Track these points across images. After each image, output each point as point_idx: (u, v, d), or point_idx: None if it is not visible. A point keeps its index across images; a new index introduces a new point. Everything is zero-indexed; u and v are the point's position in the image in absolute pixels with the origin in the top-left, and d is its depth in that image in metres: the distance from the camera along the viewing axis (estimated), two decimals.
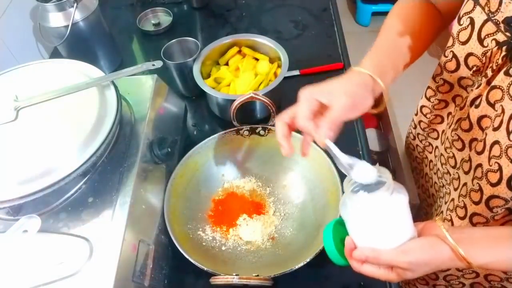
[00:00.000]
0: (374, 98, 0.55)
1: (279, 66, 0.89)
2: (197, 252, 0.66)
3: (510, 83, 0.49)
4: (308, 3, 1.20)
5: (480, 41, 0.54)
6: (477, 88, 0.57)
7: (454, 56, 0.60)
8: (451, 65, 0.62)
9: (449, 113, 0.71)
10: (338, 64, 1.00)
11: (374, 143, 1.17)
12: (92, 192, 0.60)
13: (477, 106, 0.56)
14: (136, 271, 0.57)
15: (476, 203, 0.59)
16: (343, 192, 0.65)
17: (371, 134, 1.19)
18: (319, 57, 1.03)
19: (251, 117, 0.89)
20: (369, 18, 2.50)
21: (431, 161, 0.81)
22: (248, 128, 0.79)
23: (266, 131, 0.78)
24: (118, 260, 0.54)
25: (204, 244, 0.70)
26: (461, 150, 0.64)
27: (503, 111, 0.51)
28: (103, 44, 1.00)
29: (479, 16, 0.53)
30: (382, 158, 1.21)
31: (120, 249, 0.55)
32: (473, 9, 0.54)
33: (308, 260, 0.59)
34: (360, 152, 0.83)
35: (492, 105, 0.53)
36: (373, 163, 0.82)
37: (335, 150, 0.52)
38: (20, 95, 0.63)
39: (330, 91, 0.53)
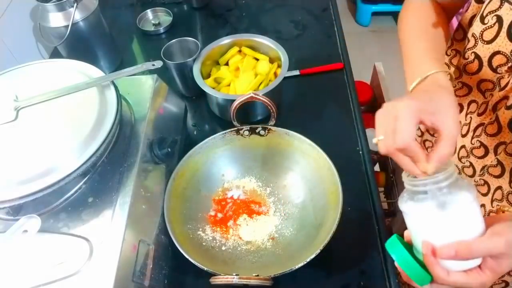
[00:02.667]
0: None
1: (279, 66, 0.89)
2: (197, 252, 0.66)
3: None
4: (308, 3, 1.20)
5: (510, 37, 0.52)
6: (501, 90, 0.56)
7: (477, 57, 0.58)
8: (473, 67, 0.60)
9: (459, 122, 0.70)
10: (338, 64, 1.00)
11: (374, 143, 1.17)
12: (92, 192, 0.60)
13: (509, 107, 0.54)
14: (136, 271, 0.57)
15: None
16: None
17: (371, 134, 1.18)
18: (319, 57, 1.03)
19: (251, 117, 0.89)
20: (369, 18, 2.50)
21: None
22: (248, 128, 0.79)
23: (266, 131, 0.78)
24: (118, 260, 0.54)
25: (204, 244, 0.70)
26: (482, 157, 0.62)
27: None
28: (103, 44, 1.00)
29: (508, 13, 0.52)
30: (382, 158, 1.21)
31: (120, 249, 0.55)
32: (500, 7, 0.53)
33: (308, 260, 0.59)
34: (360, 152, 0.83)
35: None
36: (373, 163, 0.82)
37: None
38: (20, 95, 0.63)
39: (444, 116, 0.47)
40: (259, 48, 0.93)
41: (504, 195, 0.60)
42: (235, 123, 0.78)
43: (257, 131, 0.79)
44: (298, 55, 1.03)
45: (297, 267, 0.59)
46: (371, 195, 0.77)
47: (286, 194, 0.77)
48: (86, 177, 0.61)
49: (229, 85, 0.89)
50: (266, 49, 0.92)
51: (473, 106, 0.65)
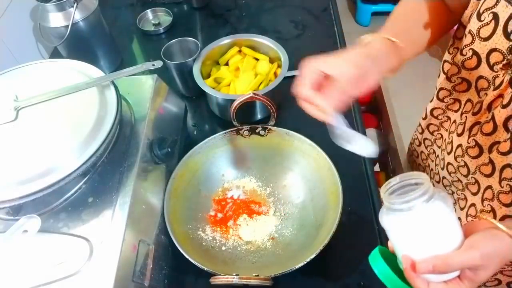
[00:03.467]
0: (391, 67, 0.57)
1: (279, 66, 0.89)
2: (197, 252, 0.66)
3: None
4: (308, 3, 1.20)
5: (507, 35, 0.52)
6: (495, 89, 0.56)
7: (475, 53, 0.58)
8: (471, 63, 0.60)
9: (454, 121, 0.69)
10: None
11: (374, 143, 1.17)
12: (92, 192, 0.60)
13: (504, 106, 0.54)
14: (136, 271, 0.57)
15: (508, 205, 0.58)
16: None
17: (371, 134, 1.18)
18: None
19: (251, 117, 0.89)
20: (369, 18, 2.50)
21: (432, 169, 0.80)
22: (248, 128, 0.79)
23: (266, 131, 0.78)
24: (118, 260, 0.54)
25: (204, 244, 0.70)
26: (476, 157, 0.62)
27: None
28: (103, 44, 1.00)
29: (504, 10, 0.51)
30: (382, 158, 1.21)
31: (120, 249, 0.55)
32: (496, 4, 0.52)
33: (308, 260, 0.59)
34: None
35: None
36: (373, 163, 0.83)
37: (339, 123, 0.52)
38: (20, 95, 0.63)
39: (336, 62, 0.53)
40: (259, 48, 0.93)
41: (494, 194, 0.60)
42: (235, 123, 0.78)
43: (257, 131, 0.79)
44: (298, 55, 1.02)
45: (297, 267, 0.59)
46: (371, 195, 0.77)
47: (286, 194, 0.77)
48: (86, 177, 0.61)
49: (229, 85, 0.89)
50: (266, 49, 0.92)
51: (468, 105, 0.65)
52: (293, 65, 0.99)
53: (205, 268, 0.60)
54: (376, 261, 0.48)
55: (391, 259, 0.48)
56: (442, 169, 0.73)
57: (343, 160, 0.71)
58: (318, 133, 0.77)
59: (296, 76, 0.55)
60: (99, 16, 0.97)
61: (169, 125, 0.79)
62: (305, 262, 0.59)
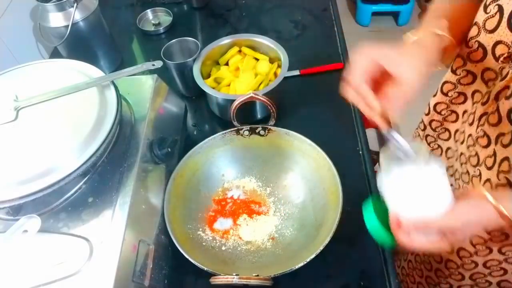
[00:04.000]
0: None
1: (279, 66, 0.89)
2: (197, 252, 0.66)
3: None
4: (308, 3, 1.20)
5: (510, 27, 0.52)
6: (502, 80, 0.56)
7: (481, 45, 0.58)
8: (477, 55, 0.60)
9: (465, 111, 0.69)
10: (338, 64, 1.00)
11: (374, 143, 1.17)
12: (92, 192, 0.60)
13: (508, 98, 0.54)
14: (136, 271, 0.57)
15: None
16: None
17: (371, 134, 1.18)
18: (319, 57, 1.03)
19: (251, 117, 0.89)
20: (369, 18, 2.50)
21: None
22: (248, 128, 0.79)
23: (266, 131, 0.78)
24: (118, 260, 0.54)
25: (204, 244, 0.70)
26: (486, 147, 0.62)
27: None
28: (103, 44, 1.00)
29: (508, 2, 0.52)
30: None
31: (120, 249, 0.55)
32: None
33: (308, 260, 0.59)
34: (360, 152, 0.83)
35: None
36: (373, 163, 0.82)
37: (397, 136, 0.51)
38: (20, 95, 0.63)
39: (400, 61, 0.50)
40: (259, 48, 0.93)
41: (493, 188, 0.60)
42: (235, 123, 0.78)
43: (257, 131, 0.79)
44: (298, 55, 1.03)
45: (297, 267, 0.59)
46: (371, 195, 0.77)
47: (286, 194, 0.77)
48: (86, 177, 0.61)
49: (229, 85, 0.89)
50: (266, 49, 0.92)
51: (477, 96, 0.65)
52: (293, 65, 0.99)
53: (205, 268, 0.60)
54: (367, 211, 0.54)
55: (384, 209, 0.53)
56: (456, 160, 0.72)
57: (343, 160, 0.71)
58: (318, 133, 0.77)
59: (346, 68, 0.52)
60: (99, 16, 0.97)
61: (169, 125, 0.79)
62: (305, 262, 0.59)
